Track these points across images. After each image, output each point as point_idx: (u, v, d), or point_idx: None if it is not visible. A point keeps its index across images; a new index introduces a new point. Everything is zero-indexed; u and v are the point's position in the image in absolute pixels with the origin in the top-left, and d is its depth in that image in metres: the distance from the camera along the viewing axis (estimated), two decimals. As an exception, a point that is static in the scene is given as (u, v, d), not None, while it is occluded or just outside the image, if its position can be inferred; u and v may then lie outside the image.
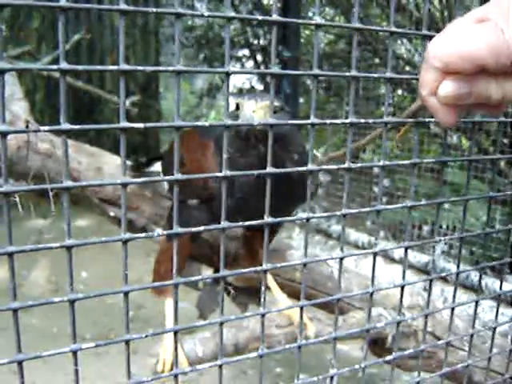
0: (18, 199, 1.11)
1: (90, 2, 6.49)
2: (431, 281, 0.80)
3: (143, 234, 0.56)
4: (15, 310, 0.52)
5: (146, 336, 0.58)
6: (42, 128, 0.50)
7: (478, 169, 3.19)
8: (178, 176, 0.55)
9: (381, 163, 0.66)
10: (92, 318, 3.32)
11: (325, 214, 0.66)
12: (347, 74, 0.61)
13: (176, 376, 0.62)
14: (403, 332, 1.83)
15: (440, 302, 2.47)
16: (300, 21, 0.60)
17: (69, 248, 0.53)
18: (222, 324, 0.63)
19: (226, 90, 0.57)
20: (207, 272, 1.99)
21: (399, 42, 4.56)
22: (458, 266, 0.83)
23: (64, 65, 0.50)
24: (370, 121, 0.65)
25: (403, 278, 0.76)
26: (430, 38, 0.60)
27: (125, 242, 0.55)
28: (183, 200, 1.42)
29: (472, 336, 0.94)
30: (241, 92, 5.99)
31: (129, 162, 2.07)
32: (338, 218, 3.57)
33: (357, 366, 0.77)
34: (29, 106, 2.02)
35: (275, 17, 0.57)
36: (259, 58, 5.72)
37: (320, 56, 4.82)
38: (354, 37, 0.61)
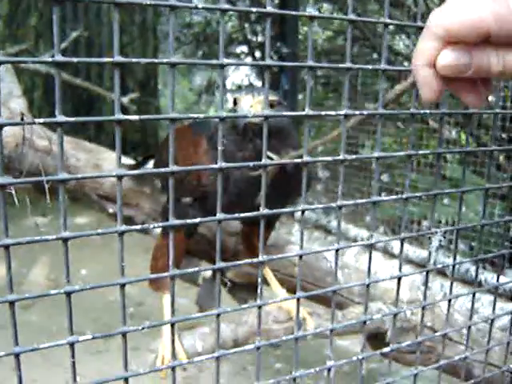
0: (13, 192, 1.11)
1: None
2: (427, 273, 0.80)
3: (138, 227, 0.56)
4: (12, 303, 0.52)
5: (143, 328, 0.58)
6: (36, 120, 0.50)
7: (477, 163, 3.18)
8: (173, 168, 0.55)
9: (376, 155, 0.66)
10: (92, 315, 3.33)
11: (320, 206, 0.66)
12: (341, 65, 0.61)
13: (173, 368, 0.63)
14: (403, 327, 1.84)
15: (439, 297, 2.47)
16: (293, 12, 0.60)
17: (65, 240, 0.53)
18: (218, 316, 0.63)
19: (221, 83, 0.57)
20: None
21: (397, 37, 4.55)
22: (454, 258, 0.83)
23: (59, 57, 0.50)
24: (365, 112, 0.65)
25: (400, 269, 0.76)
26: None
27: (120, 233, 0.55)
28: (177, 198, 1.43)
29: (469, 328, 0.94)
30: (239, 89, 5.98)
31: (127, 161, 2.07)
32: (336, 214, 3.55)
33: (354, 358, 0.78)
34: (27, 104, 2.02)
35: (269, 9, 0.57)
36: (258, 54, 5.72)
37: (318, 52, 4.82)
38: (348, 28, 0.62)
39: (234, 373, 2.88)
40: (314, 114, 0.62)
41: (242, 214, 0.61)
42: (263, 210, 0.62)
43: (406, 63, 4.31)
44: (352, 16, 0.61)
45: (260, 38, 5.75)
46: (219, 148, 0.58)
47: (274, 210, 0.63)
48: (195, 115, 0.57)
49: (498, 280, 0.96)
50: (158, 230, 1.77)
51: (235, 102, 1.40)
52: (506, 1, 0.54)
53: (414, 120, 0.72)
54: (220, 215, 0.60)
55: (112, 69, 0.53)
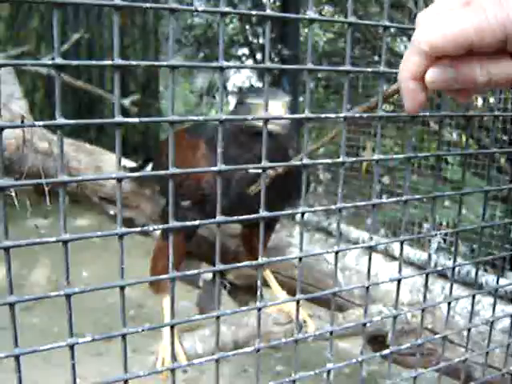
0: (14, 194, 1.11)
1: None
2: (427, 275, 0.80)
3: (138, 229, 0.57)
4: (12, 305, 0.52)
5: (143, 330, 0.59)
6: (36, 123, 0.50)
7: (478, 166, 3.18)
8: (173, 170, 0.55)
9: (375, 157, 0.66)
10: (93, 317, 3.32)
11: (319, 208, 0.66)
12: (341, 68, 0.62)
13: (173, 370, 0.63)
14: (403, 329, 1.84)
15: (440, 300, 2.46)
16: (293, 15, 0.60)
17: (65, 242, 0.53)
18: (218, 318, 0.63)
19: (221, 85, 0.57)
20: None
21: (398, 39, 4.56)
22: (454, 261, 0.83)
23: (59, 60, 0.50)
24: (365, 115, 0.65)
25: (399, 271, 0.76)
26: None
27: (121, 236, 0.55)
28: (176, 202, 1.42)
29: (469, 331, 0.94)
30: (241, 91, 5.99)
31: (128, 164, 2.08)
32: (338, 217, 3.55)
33: (354, 361, 0.78)
34: (28, 106, 2.03)
35: (269, 11, 0.57)
36: (259, 56, 5.73)
37: (319, 54, 4.83)
38: (348, 31, 0.62)
39: (235, 374, 2.88)
40: (313, 117, 0.62)
41: (242, 217, 0.62)
42: (263, 213, 0.62)
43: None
44: (352, 19, 0.62)
45: (261, 40, 5.76)
46: (219, 150, 0.58)
47: (274, 213, 0.63)
48: (195, 117, 0.57)
49: (498, 282, 0.96)
50: (158, 233, 1.77)
51: (249, 108, 1.34)
52: (485, 13, 0.56)
53: (413, 122, 0.72)
54: (219, 218, 0.60)
55: (112, 71, 0.53)
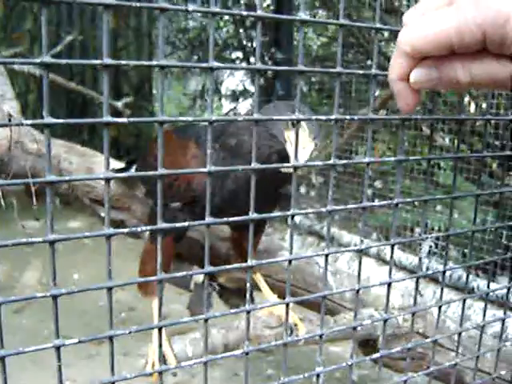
0: (0, 194, 1.11)
1: None
2: (418, 279, 0.80)
3: (126, 230, 0.56)
4: (-3, 305, 0.51)
5: (130, 332, 0.58)
6: (24, 121, 0.49)
7: (471, 171, 3.19)
8: (161, 171, 0.55)
9: (366, 159, 0.66)
10: (84, 320, 3.31)
11: (310, 211, 0.66)
12: (332, 70, 0.61)
13: (161, 373, 0.62)
14: (395, 333, 1.84)
15: (432, 305, 2.47)
16: (284, 17, 0.60)
17: (51, 243, 0.52)
18: (206, 321, 0.63)
19: (211, 86, 0.57)
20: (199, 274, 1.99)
21: (392, 44, 4.57)
22: (444, 264, 0.83)
23: (47, 58, 0.50)
24: (355, 117, 0.65)
25: (390, 275, 0.76)
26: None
27: (108, 237, 0.55)
28: (165, 203, 1.40)
29: (460, 335, 0.94)
30: (234, 94, 5.99)
31: (117, 165, 2.06)
32: (328, 219, 3.56)
33: (344, 364, 0.77)
34: (20, 107, 2.02)
35: (260, 12, 0.57)
36: (252, 60, 5.72)
37: (313, 58, 4.83)
38: (340, 32, 0.61)
39: (226, 378, 2.87)
40: (304, 119, 0.62)
41: (231, 218, 0.61)
42: (252, 214, 0.62)
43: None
44: (343, 20, 0.61)
45: (255, 44, 5.76)
46: (208, 151, 0.57)
47: (264, 215, 0.63)
48: (184, 118, 0.57)
49: (488, 286, 0.96)
50: (147, 235, 1.75)
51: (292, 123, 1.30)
52: (464, 14, 0.57)
53: (404, 126, 0.72)
54: (209, 219, 0.60)
55: (102, 71, 0.53)
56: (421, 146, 3.54)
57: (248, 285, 0.65)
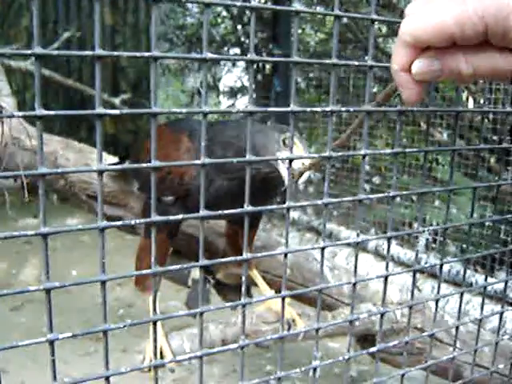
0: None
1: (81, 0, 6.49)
2: (415, 272, 0.80)
3: (119, 223, 0.56)
4: (-11, 299, 0.51)
5: (125, 326, 0.58)
6: (15, 113, 0.49)
7: (469, 166, 3.19)
8: (155, 163, 0.54)
9: (362, 152, 0.65)
10: (83, 317, 3.31)
11: (305, 203, 0.65)
12: (327, 61, 0.61)
13: (156, 367, 0.62)
14: (393, 328, 1.83)
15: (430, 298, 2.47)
16: (279, 7, 0.59)
17: (44, 236, 0.52)
18: (202, 314, 0.62)
19: (204, 77, 0.57)
20: (197, 270, 1.99)
21: (390, 40, 4.57)
22: (442, 258, 0.83)
23: (38, 50, 0.49)
24: (351, 109, 0.64)
25: (386, 268, 0.75)
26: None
27: (101, 229, 0.54)
28: (158, 197, 1.39)
29: (458, 328, 0.93)
30: (232, 91, 5.98)
31: (110, 160, 2.06)
32: (328, 217, 3.57)
33: (340, 358, 0.77)
34: (17, 103, 2.01)
35: (253, 3, 0.56)
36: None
37: (311, 54, 4.82)
38: (335, 24, 0.61)
39: (224, 375, 2.87)
40: (299, 110, 0.61)
41: (226, 211, 0.61)
42: (247, 207, 0.61)
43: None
44: (338, 11, 0.61)
45: (251, 37, 5.74)
46: (202, 144, 0.57)
47: (258, 207, 0.62)
48: (178, 110, 0.56)
49: (486, 280, 0.96)
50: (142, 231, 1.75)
51: (285, 141, 1.28)
52: (466, 5, 0.56)
53: (401, 117, 0.72)
54: (203, 212, 0.59)
55: (93, 62, 0.52)
56: (419, 141, 3.54)
57: (243, 278, 0.64)
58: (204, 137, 0.57)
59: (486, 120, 3.08)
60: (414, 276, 0.80)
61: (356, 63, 0.65)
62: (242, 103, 6.02)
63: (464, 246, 3.13)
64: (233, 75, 6.22)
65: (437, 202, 3.29)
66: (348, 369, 0.79)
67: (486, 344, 1.52)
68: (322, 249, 0.67)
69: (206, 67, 0.56)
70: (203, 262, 0.60)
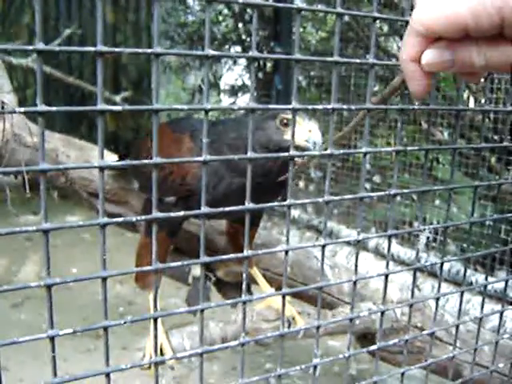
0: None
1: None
2: (415, 270, 0.80)
3: (121, 219, 0.56)
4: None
5: (125, 323, 0.58)
6: (17, 109, 0.49)
7: (469, 165, 3.19)
8: (156, 160, 0.54)
9: (363, 150, 0.65)
10: (83, 315, 3.31)
11: (306, 201, 0.65)
12: (329, 58, 0.61)
13: (156, 364, 0.62)
14: (393, 327, 1.83)
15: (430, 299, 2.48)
16: (281, 5, 0.59)
17: (45, 232, 0.52)
18: (202, 311, 0.62)
19: (206, 73, 0.57)
20: (197, 268, 1.99)
21: (391, 39, 4.57)
22: (442, 256, 0.83)
23: (40, 45, 0.49)
24: (353, 107, 0.64)
25: (387, 266, 0.75)
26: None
27: (102, 226, 0.54)
28: (159, 198, 1.38)
29: (457, 327, 0.93)
30: (233, 89, 5.98)
31: (115, 158, 2.06)
32: (328, 215, 3.58)
33: (340, 356, 0.77)
34: (17, 100, 2.00)
35: (256, 0, 0.56)
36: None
37: (312, 53, 4.82)
38: (337, 21, 0.61)
39: (224, 372, 2.87)
40: (300, 108, 0.61)
41: (227, 208, 0.61)
42: (248, 205, 0.61)
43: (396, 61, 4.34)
44: (340, 9, 0.61)
45: (252, 34, 5.73)
46: (204, 141, 0.57)
47: (260, 205, 0.62)
48: (179, 106, 0.56)
49: (486, 279, 0.96)
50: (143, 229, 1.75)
51: (283, 122, 1.29)
52: None
53: (402, 115, 0.72)
54: (204, 209, 0.59)
55: (95, 58, 0.52)
56: (420, 140, 3.54)
57: (244, 275, 0.64)
58: (205, 133, 0.57)
59: (486, 119, 3.08)
60: (415, 274, 0.80)
61: (358, 61, 0.65)
62: (243, 101, 6.01)
63: (464, 245, 3.13)
64: (234, 73, 6.22)
65: (437, 202, 3.29)
66: (348, 367, 0.79)
67: (485, 343, 1.53)
68: (323, 246, 0.67)
69: (207, 64, 0.56)
70: (204, 258, 0.60)
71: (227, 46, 5.83)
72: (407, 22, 0.63)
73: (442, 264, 0.84)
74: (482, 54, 0.58)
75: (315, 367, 0.74)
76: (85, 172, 1.95)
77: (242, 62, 5.85)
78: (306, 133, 1.20)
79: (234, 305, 1.97)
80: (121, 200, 2.02)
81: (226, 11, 5.96)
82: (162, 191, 1.43)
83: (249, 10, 5.54)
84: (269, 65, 4.65)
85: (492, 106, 2.99)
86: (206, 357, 0.69)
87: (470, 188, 2.98)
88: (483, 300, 1.00)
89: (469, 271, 2.86)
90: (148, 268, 0.58)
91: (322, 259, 0.68)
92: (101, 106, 0.52)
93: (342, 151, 0.65)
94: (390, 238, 0.74)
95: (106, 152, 2.12)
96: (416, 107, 0.71)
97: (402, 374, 0.85)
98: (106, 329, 0.57)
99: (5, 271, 4.07)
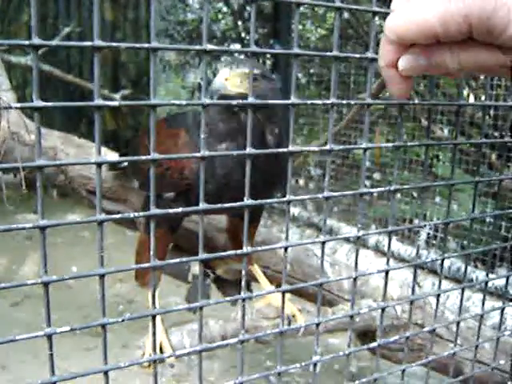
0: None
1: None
2: (416, 267, 0.79)
3: (118, 216, 0.55)
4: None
5: (123, 320, 0.57)
6: (13, 104, 0.48)
7: (469, 162, 3.19)
8: (154, 156, 0.54)
9: (363, 145, 0.65)
10: (82, 313, 3.31)
11: (306, 197, 0.65)
12: (328, 53, 0.60)
13: (155, 361, 0.61)
14: (393, 324, 1.83)
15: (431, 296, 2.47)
16: (280, -2, 0.59)
17: (42, 228, 0.52)
18: (201, 308, 0.62)
19: (204, 69, 0.56)
20: (196, 265, 1.98)
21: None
22: (442, 253, 0.82)
23: (36, 40, 0.49)
24: (352, 102, 0.64)
25: (387, 263, 0.75)
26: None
27: (100, 222, 0.54)
28: (158, 194, 1.38)
29: (458, 324, 0.93)
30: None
31: (115, 156, 2.05)
32: (329, 213, 3.58)
33: (341, 353, 0.77)
34: (16, 98, 2.00)
35: (254, -6, 0.56)
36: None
37: (311, 50, 4.82)
38: (336, 16, 0.60)
39: (223, 370, 2.87)
40: (299, 103, 0.61)
41: (226, 204, 0.60)
42: (247, 201, 0.61)
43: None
44: (339, 3, 0.60)
45: (251, 30, 5.73)
46: (202, 136, 0.56)
47: (259, 201, 0.62)
48: (177, 102, 0.56)
49: (487, 276, 0.95)
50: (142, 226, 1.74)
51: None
52: (449, 4, 0.56)
53: (402, 111, 0.71)
54: (203, 205, 0.59)
55: (93, 53, 0.52)
56: (420, 137, 3.54)
57: (243, 272, 0.64)
58: (204, 129, 0.56)
59: (486, 116, 3.07)
60: (415, 271, 0.80)
61: (357, 56, 0.65)
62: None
63: (464, 242, 3.13)
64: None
65: (437, 199, 3.29)
66: (348, 364, 0.79)
67: (486, 340, 1.52)
68: (323, 243, 0.67)
69: (205, 59, 0.56)
70: (203, 255, 0.60)
71: (226, 44, 5.83)
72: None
73: (442, 261, 0.83)
74: (455, 58, 0.60)
75: (315, 365, 0.73)
76: (84, 170, 1.95)
77: (241, 58, 5.84)
78: (221, 81, 1.27)
79: (234, 302, 1.96)
80: (120, 198, 2.02)
81: (225, 9, 5.96)
82: (160, 187, 1.43)
83: (247, 8, 5.53)
84: (268, 63, 4.65)
85: (492, 103, 2.99)
86: (206, 355, 0.68)
87: (470, 185, 2.98)
88: (484, 297, 0.99)
89: (469, 268, 2.85)
90: (146, 265, 0.58)
91: (322, 256, 0.68)
92: (98, 102, 0.51)
93: (341, 147, 0.65)
94: (390, 234, 0.73)
95: (105, 150, 2.12)
96: (416, 102, 0.70)
97: (403, 371, 0.84)
98: (103, 326, 0.57)
99: (5, 270, 4.06)
